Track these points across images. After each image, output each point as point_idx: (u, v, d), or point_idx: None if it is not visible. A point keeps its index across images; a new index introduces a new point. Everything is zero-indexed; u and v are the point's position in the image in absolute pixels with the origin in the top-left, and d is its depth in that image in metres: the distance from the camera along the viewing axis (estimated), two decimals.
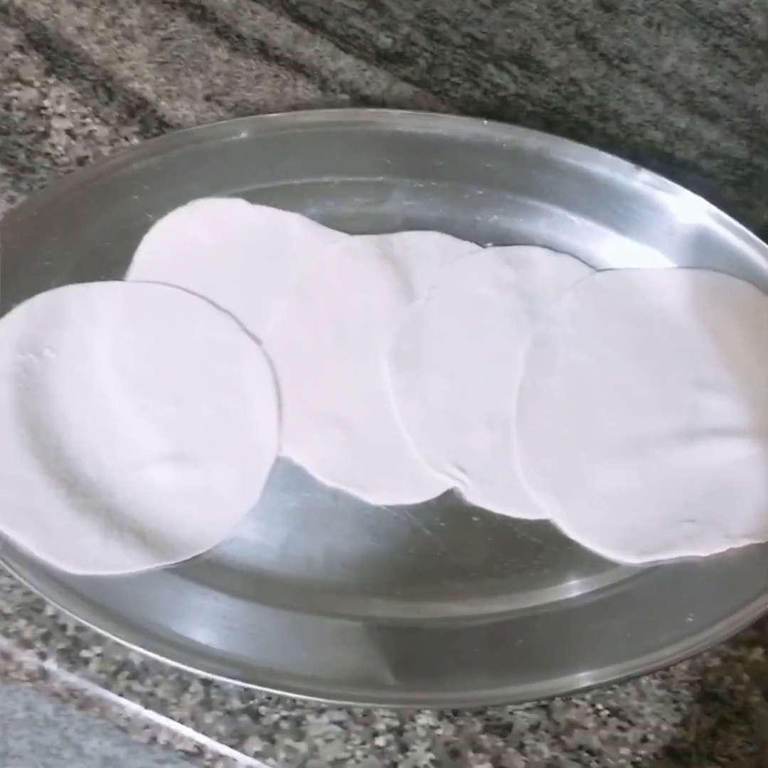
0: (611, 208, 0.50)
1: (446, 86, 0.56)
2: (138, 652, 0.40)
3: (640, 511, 0.44)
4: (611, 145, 0.54)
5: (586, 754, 0.41)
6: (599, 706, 0.42)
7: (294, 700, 0.41)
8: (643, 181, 0.50)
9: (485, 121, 0.51)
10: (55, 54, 0.55)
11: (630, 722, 0.42)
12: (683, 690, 0.43)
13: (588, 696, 0.42)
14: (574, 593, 0.43)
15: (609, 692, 0.42)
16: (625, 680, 0.42)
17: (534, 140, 0.51)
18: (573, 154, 0.50)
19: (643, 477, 0.45)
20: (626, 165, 0.50)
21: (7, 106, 0.53)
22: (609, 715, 0.42)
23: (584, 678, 0.40)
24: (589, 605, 0.43)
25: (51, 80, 0.54)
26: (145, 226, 0.49)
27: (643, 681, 0.43)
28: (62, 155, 0.52)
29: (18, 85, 0.54)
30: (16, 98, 0.53)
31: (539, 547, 0.44)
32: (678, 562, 0.43)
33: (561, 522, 0.44)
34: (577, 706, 0.42)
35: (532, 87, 0.55)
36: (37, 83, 0.54)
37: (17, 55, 0.54)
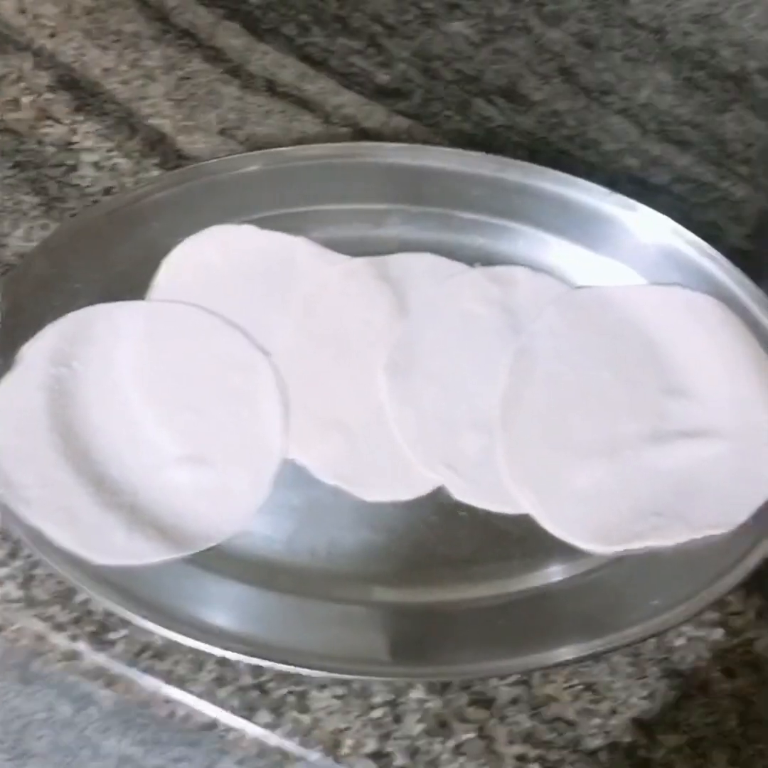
0: (586, 230, 0.52)
1: (439, 119, 0.58)
2: (159, 634, 0.42)
3: (611, 506, 0.45)
4: (591, 171, 0.56)
5: (561, 724, 0.43)
6: (574, 682, 0.44)
7: (299, 676, 0.42)
8: (615, 203, 0.51)
9: (472, 153, 0.53)
10: (82, 93, 0.58)
11: (602, 696, 0.44)
12: (651, 667, 0.44)
13: (564, 672, 0.44)
14: (552, 579, 0.45)
15: (583, 669, 0.44)
16: (598, 656, 0.43)
17: (515, 169, 0.52)
18: (550, 181, 0.52)
19: (615, 475, 0.46)
20: (600, 189, 0.51)
21: (40, 142, 0.56)
22: (583, 690, 0.44)
23: (560, 654, 0.42)
24: (565, 590, 0.44)
25: (79, 117, 0.57)
26: (164, 251, 0.51)
27: (615, 658, 0.44)
28: (90, 186, 0.55)
29: (50, 122, 0.56)
30: (47, 134, 0.56)
31: (520, 539, 0.46)
32: (646, 552, 0.44)
33: (539, 516, 0.46)
34: (554, 681, 0.44)
35: (518, 119, 0.57)
36: (66, 120, 0.57)
37: (49, 95, 0.57)
